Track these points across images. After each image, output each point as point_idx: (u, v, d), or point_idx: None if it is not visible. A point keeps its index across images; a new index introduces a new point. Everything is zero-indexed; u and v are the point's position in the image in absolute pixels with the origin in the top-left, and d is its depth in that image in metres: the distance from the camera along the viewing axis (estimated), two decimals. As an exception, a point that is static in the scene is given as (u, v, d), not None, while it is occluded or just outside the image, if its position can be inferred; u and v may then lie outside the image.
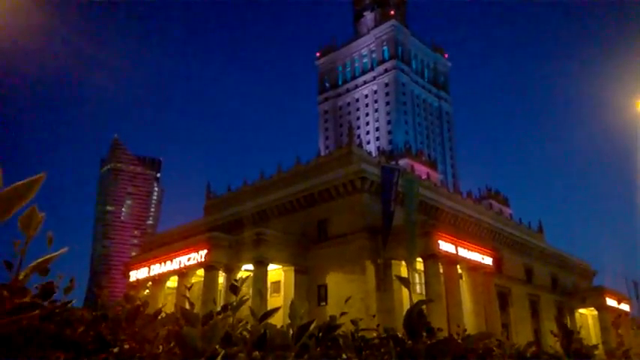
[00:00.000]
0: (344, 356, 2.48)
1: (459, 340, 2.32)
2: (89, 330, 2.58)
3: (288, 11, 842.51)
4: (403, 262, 48.47)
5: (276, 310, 2.25)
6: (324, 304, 51.28)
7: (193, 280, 54.79)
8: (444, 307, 46.56)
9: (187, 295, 4.34)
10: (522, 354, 4.51)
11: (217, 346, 1.63)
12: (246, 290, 49.19)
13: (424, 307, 2.20)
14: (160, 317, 3.12)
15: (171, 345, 2.01)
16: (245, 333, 2.55)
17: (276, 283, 54.89)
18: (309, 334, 2.35)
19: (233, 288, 2.69)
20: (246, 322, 2.78)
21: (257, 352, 1.88)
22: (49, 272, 2.61)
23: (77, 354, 1.86)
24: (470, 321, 49.21)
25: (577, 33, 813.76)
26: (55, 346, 1.97)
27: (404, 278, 2.41)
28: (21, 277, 1.37)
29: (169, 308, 46.50)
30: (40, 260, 1.48)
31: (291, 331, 1.84)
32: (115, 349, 2.00)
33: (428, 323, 2.25)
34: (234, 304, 2.63)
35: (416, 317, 2.15)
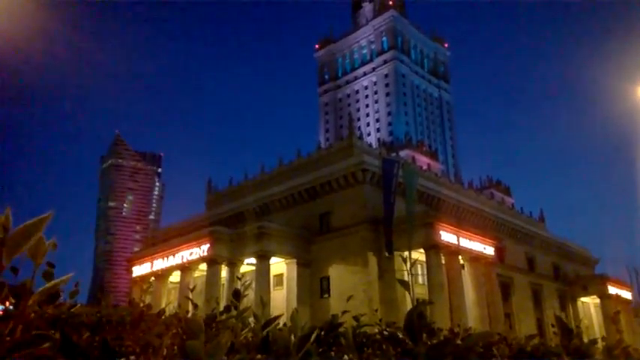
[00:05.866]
0: (345, 358, 2.51)
1: (459, 341, 2.35)
2: (94, 335, 2.62)
3: (287, 3, 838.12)
4: (405, 254, 48.62)
5: (277, 317, 2.28)
6: (326, 296, 51.49)
7: (196, 274, 55.01)
8: (447, 298, 46.76)
9: (190, 296, 4.37)
10: (523, 348, 4.55)
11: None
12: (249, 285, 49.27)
13: (424, 308, 2.23)
14: (163, 317, 3.16)
15: (175, 352, 2.04)
16: (249, 334, 2.57)
17: (279, 276, 55.10)
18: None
19: (236, 294, 2.71)
20: (252, 317, 2.77)
21: (259, 357, 1.91)
22: (53, 277, 2.64)
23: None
24: (473, 311, 49.44)
25: (578, 19, 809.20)
26: (62, 352, 2.00)
27: (404, 282, 2.44)
28: (30, 302, 1.40)
29: (172, 302, 46.73)
30: (47, 286, 1.51)
31: (293, 339, 1.87)
32: (118, 361, 2.03)
33: (428, 325, 2.28)
34: (238, 308, 2.65)
35: (416, 319, 2.18)
